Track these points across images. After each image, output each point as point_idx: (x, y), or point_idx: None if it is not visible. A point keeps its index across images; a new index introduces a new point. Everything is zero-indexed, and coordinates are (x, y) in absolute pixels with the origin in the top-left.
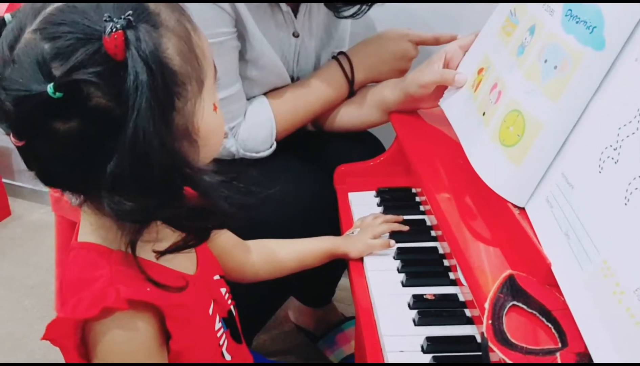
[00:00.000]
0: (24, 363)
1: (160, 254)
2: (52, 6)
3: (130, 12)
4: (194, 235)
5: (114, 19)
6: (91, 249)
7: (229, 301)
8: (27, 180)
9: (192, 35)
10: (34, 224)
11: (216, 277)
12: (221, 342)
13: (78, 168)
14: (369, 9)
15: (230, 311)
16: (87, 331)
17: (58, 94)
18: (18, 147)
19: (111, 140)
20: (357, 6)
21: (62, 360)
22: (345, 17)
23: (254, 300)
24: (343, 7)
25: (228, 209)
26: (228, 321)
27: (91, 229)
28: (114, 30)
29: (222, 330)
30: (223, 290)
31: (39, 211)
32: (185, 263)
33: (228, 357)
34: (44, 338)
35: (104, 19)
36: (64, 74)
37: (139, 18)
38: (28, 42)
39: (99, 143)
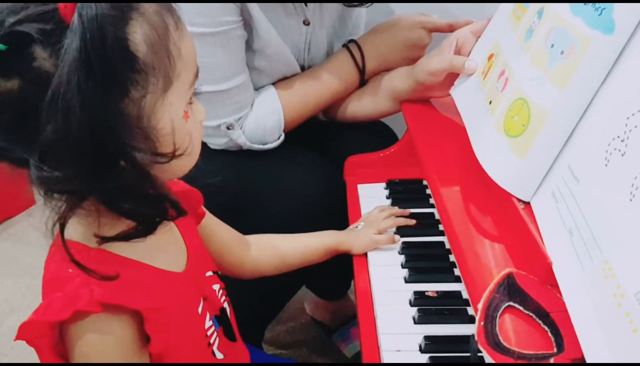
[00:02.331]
0: (24, 363)
1: (103, 239)
2: None
3: None
4: (137, 221)
5: None
6: (69, 247)
7: (222, 298)
8: None
9: (170, 32)
10: None
11: (209, 273)
12: (211, 341)
13: (14, 134)
14: None
15: (222, 309)
16: (63, 333)
17: (1, 46)
18: None
19: (44, 105)
20: None
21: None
22: (355, 5)
23: (263, 294)
24: None
25: (169, 196)
26: (220, 319)
27: (71, 225)
28: None
29: (213, 328)
30: (216, 287)
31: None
32: (172, 260)
33: (220, 356)
34: (17, 339)
35: None
36: (10, 25)
37: None
38: None
39: (35, 107)
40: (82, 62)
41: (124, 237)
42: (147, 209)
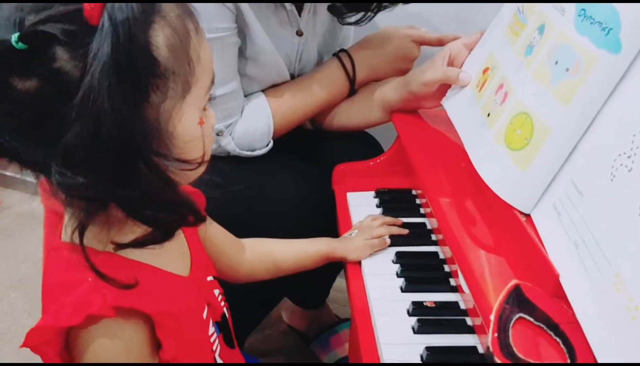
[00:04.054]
0: (24, 363)
1: (119, 246)
2: None
3: None
4: (156, 228)
5: None
6: (74, 250)
7: (222, 304)
8: (18, 170)
9: (191, 37)
10: (23, 215)
11: (210, 278)
12: (214, 347)
13: (30, 136)
14: (373, 17)
15: (223, 315)
16: (72, 338)
17: (21, 45)
18: None
19: (67, 107)
20: (362, 13)
21: None
22: (349, 24)
23: (248, 300)
24: (347, 14)
25: (189, 202)
26: (221, 325)
27: (74, 227)
28: None
29: (215, 335)
30: (216, 292)
31: (29, 202)
32: (178, 264)
33: (220, 362)
34: (23, 346)
35: None
36: (32, 24)
37: None
38: None
39: (54, 109)
40: (113, 67)
41: (140, 243)
42: (166, 215)
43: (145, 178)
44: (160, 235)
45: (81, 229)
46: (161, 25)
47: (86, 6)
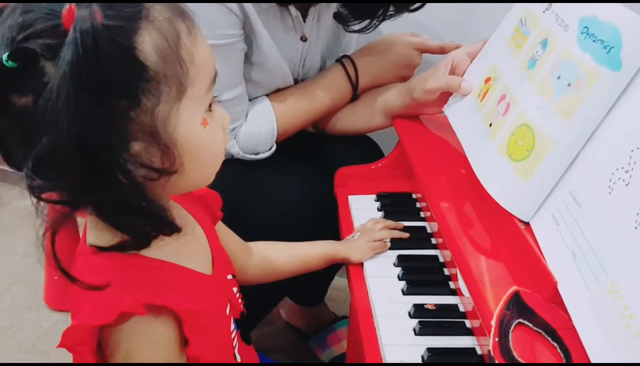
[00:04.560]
0: (29, 363)
1: (98, 249)
2: None
3: None
4: (132, 236)
5: None
6: (98, 253)
7: (240, 301)
8: None
9: (181, 38)
10: (24, 211)
11: (229, 276)
12: (234, 344)
13: (31, 148)
14: (378, 25)
15: (242, 312)
16: (104, 337)
17: (10, 63)
18: None
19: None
20: (367, 21)
21: (52, 350)
22: (354, 32)
23: (252, 299)
24: (352, 21)
25: (163, 211)
26: (239, 322)
27: (97, 230)
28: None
29: (234, 332)
30: (235, 290)
31: (29, 198)
32: (202, 263)
33: (239, 359)
34: (60, 345)
35: None
36: (17, 42)
37: (119, 4)
38: (8, 14)
39: None
40: (72, 75)
41: (119, 248)
42: (141, 223)
43: (115, 185)
44: (137, 243)
45: (52, 233)
46: (148, 30)
47: (64, 19)
